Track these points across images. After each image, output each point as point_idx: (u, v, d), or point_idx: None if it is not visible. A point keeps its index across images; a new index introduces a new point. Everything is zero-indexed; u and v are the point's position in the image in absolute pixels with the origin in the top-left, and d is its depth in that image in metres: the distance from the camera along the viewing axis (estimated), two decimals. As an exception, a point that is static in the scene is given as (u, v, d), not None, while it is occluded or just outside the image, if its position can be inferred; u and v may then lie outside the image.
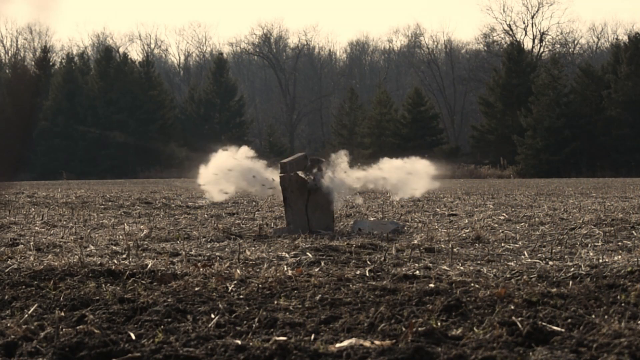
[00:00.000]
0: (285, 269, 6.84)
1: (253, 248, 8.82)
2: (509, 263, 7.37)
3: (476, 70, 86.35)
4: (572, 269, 6.72)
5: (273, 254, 8.18)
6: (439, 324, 4.62)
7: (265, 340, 4.26)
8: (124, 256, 8.04)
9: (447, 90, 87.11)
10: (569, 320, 4.55)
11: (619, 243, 8.97)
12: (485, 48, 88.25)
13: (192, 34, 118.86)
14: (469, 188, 27.99)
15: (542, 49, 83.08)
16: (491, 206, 16.50)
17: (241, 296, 5.63)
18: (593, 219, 12.47)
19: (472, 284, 5.96)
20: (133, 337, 4.34)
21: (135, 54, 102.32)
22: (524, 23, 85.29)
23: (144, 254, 8.18)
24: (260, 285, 5.95)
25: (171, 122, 73.81)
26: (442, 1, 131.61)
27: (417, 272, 6.73)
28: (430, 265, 7.21)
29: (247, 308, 5.17)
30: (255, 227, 11.61)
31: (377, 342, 4.17)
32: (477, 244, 9.11)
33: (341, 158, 10.99)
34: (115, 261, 7.58)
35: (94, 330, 4.42)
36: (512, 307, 4.96)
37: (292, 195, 10.63)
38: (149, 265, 7.00)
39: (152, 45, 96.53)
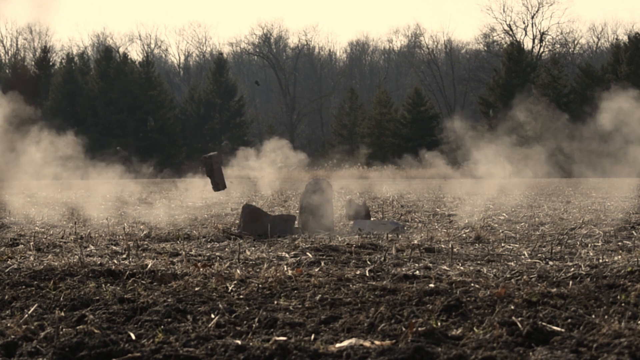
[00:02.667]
0: (285, 269, 6.84)
1: (253, 248, 8.82)
2: (509, 263, 7.37)
3: (476, 70, 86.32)
4: (572, 269, 6.72)
5: (273, 254, 8.18)
6: (439, 324, 4.61)
7: (265, 340, 4.25)
8: (124, 256, 8.04)
9: (447, 90, 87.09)
10: (569, 320, 4.55)
11: (619, 243, 8.97)
12: (485, 48, 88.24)
13: (192, 34, 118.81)
14: (469, 188, 27.98)
15: (542, 49, 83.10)
16: (491, 206, 16.50)
17: (241, 296, 5.62)
18: (593, 219, 12.47)
19: (472, 284, 5.96)
20: (133, 337, 4.34)
21: (135, 54, 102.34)
22: (524, 23, 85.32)
23: (144, 254, 8.18)
24: (260, 285, 5.95)
25: (171, 122, 73.78)
26: (442, 1, 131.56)
27: (417, 272, 6.73)
28: (430, 265, 7.21)
29: (247, 308, 5.17)
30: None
31: (377, 342, 4.17)
32: (477, 244, 9.11)
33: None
34: (115, 261, 7.58)
35: (94, 330, 4.42)
36: (512, 307, 4.96)
37: (251, 223, 10.43)
38: (149, 265, 6.99)
39: (152, 45, 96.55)
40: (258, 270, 6.89)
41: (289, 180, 38.51)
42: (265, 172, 11.65)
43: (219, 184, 11.09)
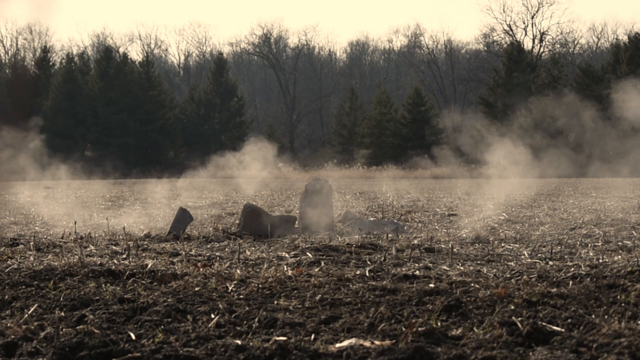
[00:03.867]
0: (285, 269, 6.84)
1: (253, 248, 8.82)
2: (509, 263, 7.37)
3: (476, 70, 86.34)
4: (572, 269, 6.72)
5: (273, 254, 8.18)
6: (439, 324, 4.61)
7: (265, 340, 4.25)
8: (124, 256, 8.04)
9: (447, 90, 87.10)
10: (569, 320, 4.55)
11: (619, 243, 8.96)
12: (485, 48, 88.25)
13: (192, 34, 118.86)
14: (469, 188, 27.99)
15: (542, 49, 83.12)
16: (491, 206, 16.50)
17: (241, 296, 5.62)
18: (593, 219, 12.47)
19: (472, 284, 5.96)
20: (133, 337, 4.34)
21: (135, 54, 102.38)
22: (524, 23, 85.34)
23: (144, 254, 8.17)
24: (260, 285, 5.95)
25: (171, 122, 73.79)
26: (442, 1, 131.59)
27: (417, 272, 6.72)
28: (430, 265, 7.21)
29: (247, 308, 5.17)
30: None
31: (377, 342, 4.17)
32: (477, 244, 9.11)
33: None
34: (115, 261, 7.58)
35: (94, 330, 4.42)
36: (512, 307, 4.96)
37: (251, 223, 10.45)
38: (149, 265, 6.99)
39: (152, 45, 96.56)
40: (258, 270, 6.89)
41: (289, 180, 38.49)
42: (247, 173, 11.69)
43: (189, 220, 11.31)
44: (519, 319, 4.51)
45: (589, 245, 8.84)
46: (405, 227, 11.24)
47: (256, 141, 15.06)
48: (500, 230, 10.72)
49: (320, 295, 5.52)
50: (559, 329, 4.37)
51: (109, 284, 6.17)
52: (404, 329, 4.44)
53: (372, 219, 12.51)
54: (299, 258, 7.74)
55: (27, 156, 15.57)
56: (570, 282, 6.06)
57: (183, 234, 10.24)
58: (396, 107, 74.88)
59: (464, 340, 4.20)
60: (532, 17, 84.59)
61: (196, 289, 5.85)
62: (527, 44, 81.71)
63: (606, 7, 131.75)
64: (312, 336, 4.37)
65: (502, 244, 8.97)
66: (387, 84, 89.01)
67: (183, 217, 10.63)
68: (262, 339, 4.30)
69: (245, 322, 4.78)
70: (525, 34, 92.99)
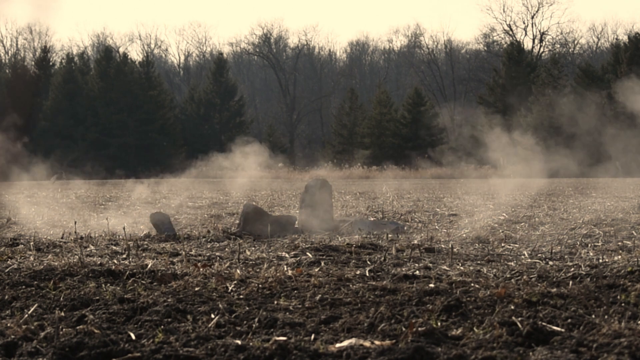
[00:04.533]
0: (285, 269, 6.84)
1: (253, 248, 8.82)
2: (509, 263, 7.37)
3: (476, 70, 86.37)
4: (572, 269, 6.72)
5: (273, 254, 8.18)
6: (439, 324, 4.61)
7: (265, 340, 4.25)
8: (124, 256, 8.04)
9: (447, 90, 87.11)
10: (569, 320, 4.55)
11: (619, 243, 8.96)
12: (485, 48, 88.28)
13: (192, 34, 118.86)
14: (469, 188, 28.00)
15: (542, 49, 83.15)
16: (491, 206, 16.50)
17: (241, 296, 5.62)
18: (593, 219, 12.47)
19: (472, 284, 5.96)
20: (133, 337, 4.34)
21: (135, 54, 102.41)
22: (524, 23, 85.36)
23: (144, 254, 8.17)
24: (260, 285, 5.95)
25: (171, 122, 73.79)
26: (442, 1, 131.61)
27: (417, 272, 6.72)
28: (430, 265, 7.21)
29: (247, 308, 5.17)
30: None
31: (377, 342, 4.17)
32: (477, 244, 9.11)
33: None
34: (115, 261, 7.58)
35: (94, 330, 4.42)
36: (512, 307, 4.96)
37: (251, 223, 10.46)
38: (149, 265, 6.99)
39: (152, 45, 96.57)
40: (258, 270, 6.88)
41: (289, 180, 38.50)
42: (245, 173, 11.70)
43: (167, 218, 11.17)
44: (519, 319, 4.51)
45: (589, 245, 8.84)
46: (405, 227, 11.24)
47: (248, 142, 15.12)
48: (500, 230, 10.72)
49: (320, 295, 5.52)
50: (559, 329, 4.37)
51: (109, 284, 6.16)
52: (404, 329, 4.44)
53: (372, 219, 12.51)
54: (299, 258, 7.74)
55: (11, 157, 15.60)
56: (570, 282, 6.06)
57: (181, 234, 10.24)
58: (396, 107, 74.88)
59: (464, 340, 4.20)
60: (532, 17, 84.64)
61: (196, 289, 5.85)
62: (527, 44, 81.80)
63: (606, 7, 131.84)
64: (312, 336, 4.37)
65: (502, 244, 8.98)
66: (387, 84, 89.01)
67: (161, 219, 10.60)
68: (262, 339, 4.30)
69: (245, 322, 4.78)
70: (525, 34, 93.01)
